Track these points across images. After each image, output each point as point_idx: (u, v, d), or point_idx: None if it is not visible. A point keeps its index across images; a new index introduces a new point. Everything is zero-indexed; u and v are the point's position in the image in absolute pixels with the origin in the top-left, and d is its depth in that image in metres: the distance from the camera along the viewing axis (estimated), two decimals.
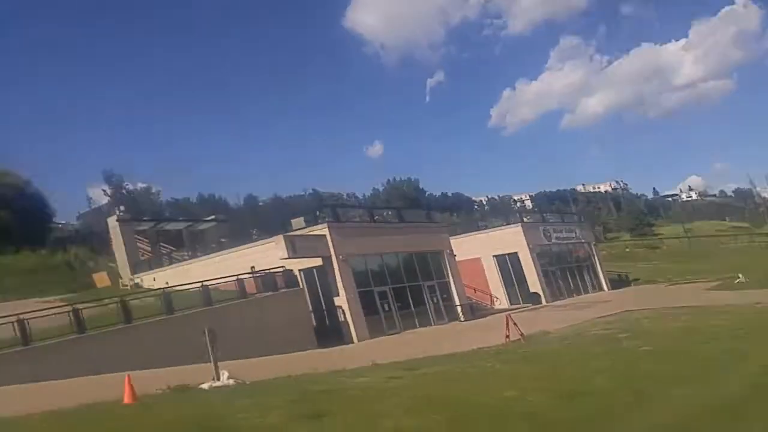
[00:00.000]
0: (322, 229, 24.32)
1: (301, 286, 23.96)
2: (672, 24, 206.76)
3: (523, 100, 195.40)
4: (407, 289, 26.83)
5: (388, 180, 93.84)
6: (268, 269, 22.98)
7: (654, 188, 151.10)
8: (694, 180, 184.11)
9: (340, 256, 23.66)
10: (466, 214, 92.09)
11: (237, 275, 21.66)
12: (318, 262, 24.04)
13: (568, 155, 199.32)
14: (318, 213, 27.70)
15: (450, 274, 29.42)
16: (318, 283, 24.51)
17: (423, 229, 30.09)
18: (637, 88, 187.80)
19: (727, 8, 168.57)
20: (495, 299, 35.99)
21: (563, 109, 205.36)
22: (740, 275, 32.34)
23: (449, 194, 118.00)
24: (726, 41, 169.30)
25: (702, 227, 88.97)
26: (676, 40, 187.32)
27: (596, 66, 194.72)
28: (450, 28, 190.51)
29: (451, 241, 31.25)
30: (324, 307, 24.29)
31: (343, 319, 23.38)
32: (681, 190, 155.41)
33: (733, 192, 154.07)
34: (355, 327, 23.03)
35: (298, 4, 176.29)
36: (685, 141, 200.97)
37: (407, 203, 70.91)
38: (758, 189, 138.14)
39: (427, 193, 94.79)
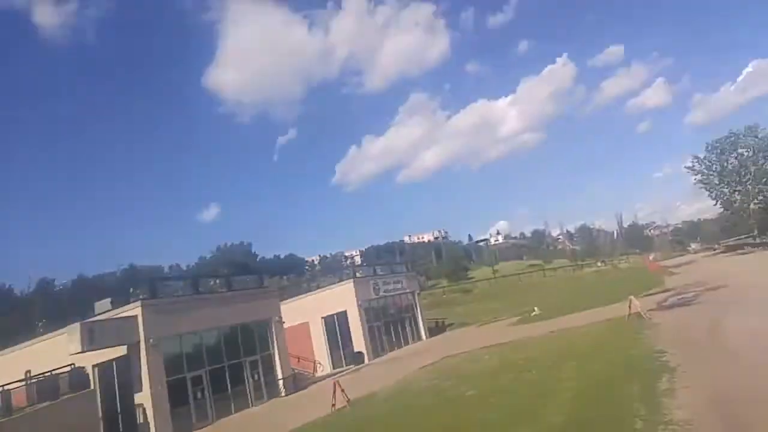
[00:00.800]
0: (132, 310, 21.53)
1: (93, 387, 20.45)
2: (504, 82, 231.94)
3: (369, 155, 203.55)
4: (226, 369, 24.57)
5: (218, 246, 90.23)
6: (50, 371, 19.31)
7: (469, 235, 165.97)
8: (502, 224, 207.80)
9: (150, 340, 20.97)
10: (298, 276, 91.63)
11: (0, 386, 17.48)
12: (122, 351, 20.99)
13: (400, 208, 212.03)
14: (131, 291, 24.95)
15: (275, 345, 27.90)
16: (116, 380, 21.12)
17: (251, 296, 28.08)
18: (468, 141, 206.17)
19: (549, 67, 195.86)
20: (318, 365, 35.35)
21: (402, 164, 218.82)
22: (535, 308, 36.81)
23: (282, 257, 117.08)
24: (544, 97, 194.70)
25: (507, 268, 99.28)
26: (506, 96, 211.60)
27: (439, 120, 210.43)
28: (311, 87, 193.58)
29: (281, 307, 30.08)
30: (119, 409, 20.69)
31: (142, 420, 20.09)
32: (491, 235, 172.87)
33: (531, 233, 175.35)
34: (156, 427, 19.95)
35: (159, 62, 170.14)
36: (499, 189, 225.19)
37: (237, 270, 68.34)
38: (549, 230, 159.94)
39: (258, 257, 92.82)
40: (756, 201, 54.78)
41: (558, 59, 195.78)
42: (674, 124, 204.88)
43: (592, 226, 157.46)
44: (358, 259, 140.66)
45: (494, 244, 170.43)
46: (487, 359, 19.80)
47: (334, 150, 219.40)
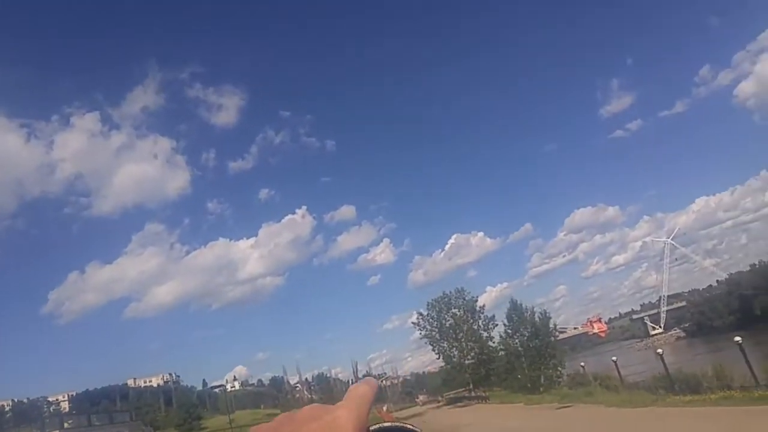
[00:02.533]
0: None
1: None
2: (246, 224, 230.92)
3: (92, 285, 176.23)
4: None
5: None
6: None
7: (204, 379, 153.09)
8: (240, 369, 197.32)
9: None
10: None
11: None
12: None
13: (124, 347, 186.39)
14: None
15: None
16: None
17: None
18: (207, 279, 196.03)
19: (289, 216, 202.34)
20: None
21: (131, 296, 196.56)
22: None
23: None
24: (285, 243, 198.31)
25: (244, 417, 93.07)
26: (248, 238, 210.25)
27: (176, 254, 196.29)
28: (24, 201, 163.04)
29: None
30: None
31: None
32: (227, 381, 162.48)
33: (269, 380, 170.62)
34: None
35: None
36: (238, 332, 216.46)
37: None
38: (288, 377, 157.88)
39: None
40: (470, 357, 62.63)
41: (297, 210, 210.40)
42: (399, 280, 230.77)
43: (329, 375, 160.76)
44: (65, 406, 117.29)
45: (231, 391, 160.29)
46: None
47: (49, 274, 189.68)
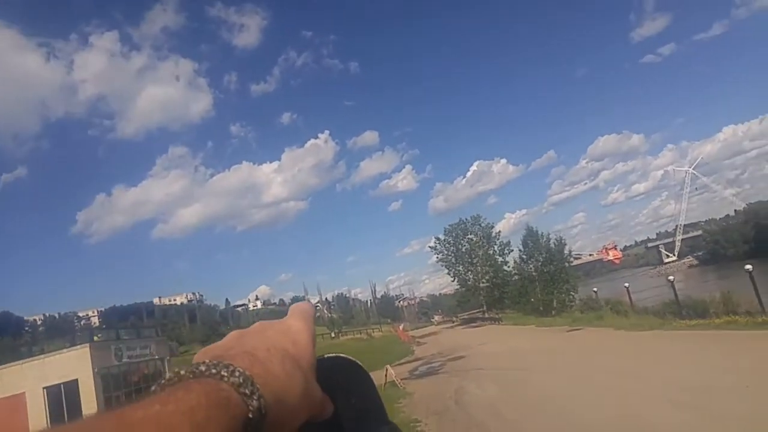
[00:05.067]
0: None
1: None
2: (269, 148, 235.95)
3: (119, 206, 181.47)
4: None
5: None
6: None
7: (227, 299, 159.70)
8: (263, 289, 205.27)
9: None
10: (13, 338, 76.20)
11: None
12: None
13: (152, 266, 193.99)
14: None
15: None
16: None
17: None
18: (232, 201, 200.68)
19: (312, 141, 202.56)
20: None
21: (158, 218, 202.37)
22: None
23: None
24: (307, 168, 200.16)
25: None
26: (270, 162, 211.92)
27: (200, 177, 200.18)
28: (48, 122, 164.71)
29: None
30: None
31: None
32: (249, 300, 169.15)
33: (290, 300, 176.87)
34: None
35: None
36: (261, 253, 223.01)
37: None
38: (309, 297, 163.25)
39: None
40: (484, 280, 64.28)
41: (320, 135, 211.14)
42: (420, 206, 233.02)
43: (348, 295, 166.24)
44: (95, 321, 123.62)
45: (253, 310, 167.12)
46: None
47: (76, 196, 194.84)
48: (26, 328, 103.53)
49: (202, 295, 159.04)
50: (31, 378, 30.75)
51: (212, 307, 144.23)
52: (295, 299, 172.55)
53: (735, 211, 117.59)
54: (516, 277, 58.29)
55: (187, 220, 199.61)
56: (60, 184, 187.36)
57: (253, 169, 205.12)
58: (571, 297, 48.09)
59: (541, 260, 51.69)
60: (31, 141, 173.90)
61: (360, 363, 0.90)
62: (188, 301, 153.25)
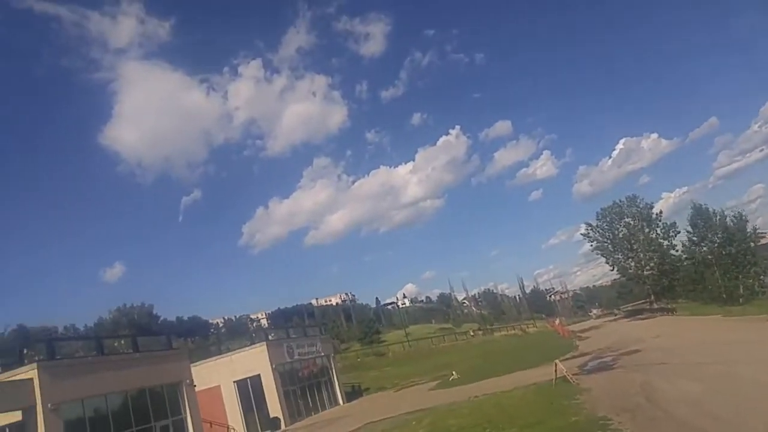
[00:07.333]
0: (28, 372, 19.27)
1: None
2: (403, 150, 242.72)
3: (275, 218, 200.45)
4: None
5: (118, 307, 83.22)
6: None
7: (377, 298, 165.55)
8: (409, 287, 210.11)
9: (49, 405, 18.69)
10: (202, 339, 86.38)
11: None
12: (15, 416, 18.55)
13: (307, 271, 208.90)
14: (24, 352, 22.35)
15: (187, 410, 25.93)
16: None
17: (159, 358, 26.25)
18: (373, 205, 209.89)
19: (443, 138, 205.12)
20: (232, 431, 33.13)
21: (309, 226, 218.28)
22: (454, 372, 36.57)
23: (185, 318, 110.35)
24: (441, 166, 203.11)
25: (417, 331, 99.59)
26: (405, 164, 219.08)
27: (343, 185, 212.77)
28: (212, 148, 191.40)
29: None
30: None
31: None
32: (397, 298, 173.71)
33: (437, 297, 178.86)
34: None
35: (53, 118, 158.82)
36: (404, 253, 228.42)
37: (138, 331, 63.30)
38: (455, 294, 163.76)
39: (161, 319, 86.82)
40: (648, 268, 59.20)
41: (451, 131, 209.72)
42: (563, 193, 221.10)
43: (495, 291, 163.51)
44: (264, 322, 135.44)
45: (402, 308, 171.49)
46: (415, 425, 18.99)
47: (240, 211, 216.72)
48: (211, 330, 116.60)
49: (354, 295, 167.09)
50: (222, 373, 34.53)
51: (364, 306, 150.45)
52: (441, 296, 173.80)
53: None
54: (687, 262, 52.85)
55: (334, 226, 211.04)
56: (227, 201, 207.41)
57: (390, 172, 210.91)
58: (761, 281, 42.36)
59: (718, 241, 46.29)
60: (201, 166, 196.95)
61: None
62: (342, 301, 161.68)
